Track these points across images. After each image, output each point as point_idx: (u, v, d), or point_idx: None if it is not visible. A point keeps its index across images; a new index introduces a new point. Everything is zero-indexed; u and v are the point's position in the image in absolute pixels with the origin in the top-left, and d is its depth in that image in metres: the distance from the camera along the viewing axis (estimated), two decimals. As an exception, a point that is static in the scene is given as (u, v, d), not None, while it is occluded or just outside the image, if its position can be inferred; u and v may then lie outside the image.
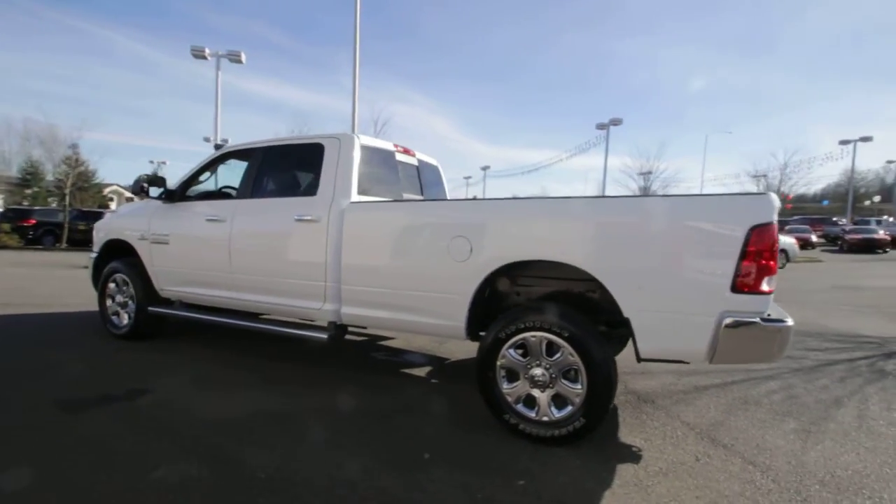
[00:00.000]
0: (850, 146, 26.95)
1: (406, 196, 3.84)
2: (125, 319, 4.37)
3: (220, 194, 4.25)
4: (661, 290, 2.28)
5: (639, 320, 2.32)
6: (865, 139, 25.87)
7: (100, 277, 4.54)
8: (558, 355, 2.50)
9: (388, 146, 3.75)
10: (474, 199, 2.90)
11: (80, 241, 17.27)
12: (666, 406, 3.21)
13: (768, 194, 2.19)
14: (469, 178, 51.63)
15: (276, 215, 3.47)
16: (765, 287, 2.15)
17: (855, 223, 26.30)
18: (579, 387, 2.46)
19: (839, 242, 23.74)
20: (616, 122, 23.26)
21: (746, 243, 2.12)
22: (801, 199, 45.32)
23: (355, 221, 3.11)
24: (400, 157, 3.87)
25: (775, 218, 2.16)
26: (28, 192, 30.73)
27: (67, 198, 18.60)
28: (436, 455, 2.42)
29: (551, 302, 2.67)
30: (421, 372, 3.81)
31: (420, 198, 4.05)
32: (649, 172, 40.35)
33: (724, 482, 2.28)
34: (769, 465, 2.45)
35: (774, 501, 2.13)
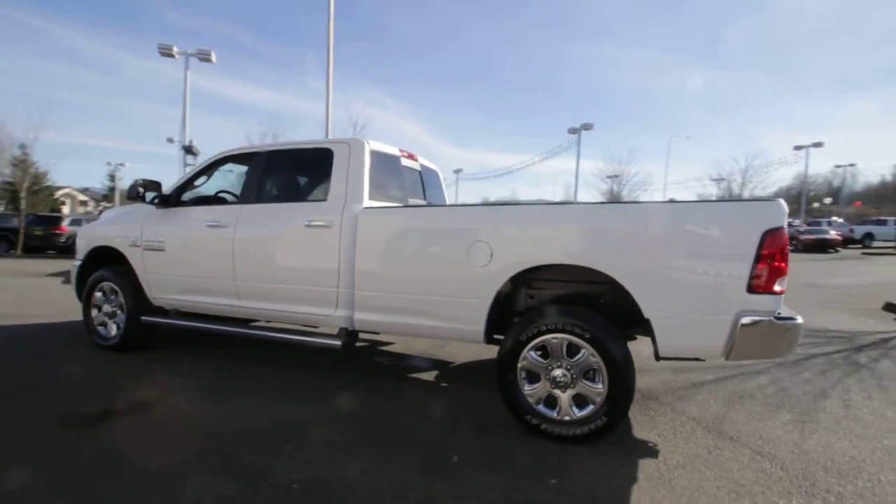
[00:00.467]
0: (804, 151, 28.71)
1: (412, 201, 3.86)
2: (113, 330, 4.19)
3: (216, 199, 4.14)
4: (681, 292, 2.39)
5: (659, 321, 2.43)
6: (817, 145, 27.65)
7: (84, 286, 4.33)
8: (579, 356, 2.58)
9: (395, 151, 3.76)
10: (495, 204, 2.94)
11: (37, 248, 16.36)
12: (670, 402, 3.35)
13: (778, 201, 2.34)
14: (443, 180, 51.70)
15: (284, 221, 3.42)
16: (777, 287, 2.29)
17: (808, 224, 27.92)
18: (600, 386, 2.54)
19: (794, 242, 25.15)
20: (587, 126, 23.90)
21: (761, 247, 2.26)
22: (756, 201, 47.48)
23: (370, 227, 3.10)
24: (405, 161, 3.88)
25: (786, 223, 2.30)
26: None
27: (23, 202, 17.55)
28: (464, 458, 2.45)
29: (571, 305, 2.75)
30: (428, 376, 3.82)
31: (423, 202, 4.07)
32: (617, 176, 41.61)
33: (739, 472, 2.40)
34: (775, 455, 2.60)
35: (786, 488, 2.27)
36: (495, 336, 2.96)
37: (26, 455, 2.36)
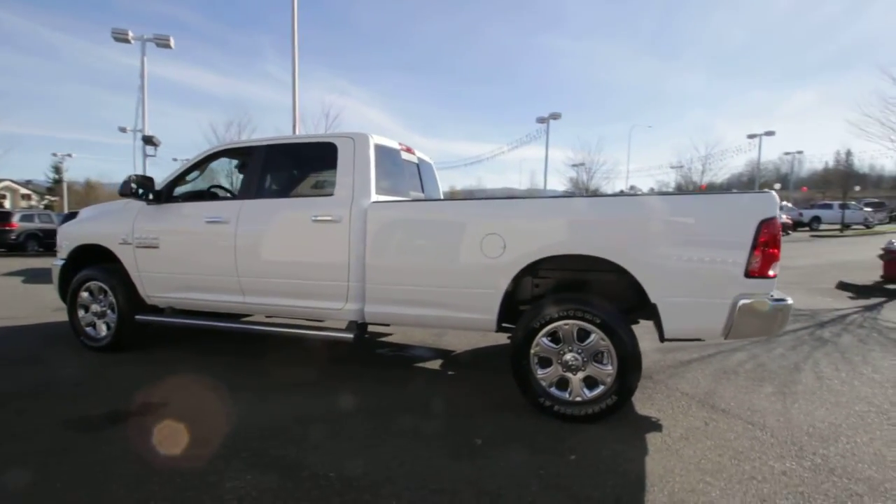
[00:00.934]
0: (756, 140, 30.26)
1: (412, 194, 3.90)
2: (104, 330, 4.06)
3: (209, 194, 4.06)
4: (684, 278, 2.57)
5: (665, 305, 2.60)
6: (769, 133, 29.23)
7: (68, 286, 4.16)
8: (589, 341, 2.73)
9: (395, 145, 3.78)
10: (508, 198, 3.04)
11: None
12: (663, 380, 3.58)
13: (771, 193, 2.54)
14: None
15: (289, 216, 3.40)
16: (771, 272, 2.50)
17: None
18: (610, 368, 2.70)
19: (749, 227, 26.54)
20: (555, 115, 24.30)
21: (757, 235, 2.45)
22: (708, 188, 49.96)
23: (380, 221, 3.14)
24: (404, 155, 3.91)
25: (778, 212, 2.51)
26: None
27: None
28: (486, 441, 2.57)
29: (577, 292, 2.90)
30: (434, 365, 3.92)
31: (422, 195, 4.12)
32: (583, 164, 42.65)
33: (735, 440, 2.63)
34: (764, 424, 2.84)
35: (778, 453, 2.50)
36: (504, 325, 3.07)
37: (45, 461, 2.31)
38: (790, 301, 2.54)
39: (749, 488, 2.17)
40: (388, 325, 3.54)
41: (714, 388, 3.43)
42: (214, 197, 4.04)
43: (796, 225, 26.60)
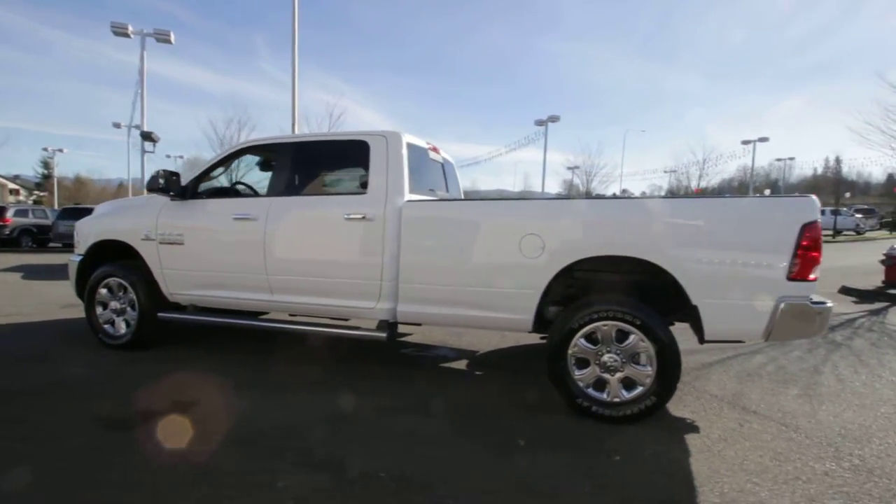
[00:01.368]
0: (748, 145, 30.68)
1: (438, 193, 3.90)
2: (123, 328, 3.99)
3: (233, 191, 4.02)
4: (727, 281, 2.59)
5: (706, 307, 2.62)
6: (763, 139, 29.61)
7: (85, 283, 4.09)
8: (628, 342, 2.74)
9: (424, 144, 3.77)
10: (546, 199, 3.05)
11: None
12: (690, 382, 3.60)
13: (812, 198, 2.57)
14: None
15: (320, 214, 3.37)
16: (812, 276, 2.53)
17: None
18: (649, 369, 2.71)
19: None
20: (554, 118, 24.41)
21: (799, 238, 2.48)
22: (702, 192, 50.59)
23: (416, 219, 3.13)
24: (431, 154, 3.90)
25: (819, 216, 2.54)
26: None
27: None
28: (529, 441, 2.56)
29: (613, 293, 2.91)
30: (459, 365, 3.91)
31: (447, 194, 4.12)
32: (577, 167, 43.01)
33: (772, 442, 2.65)
34: (796, 426, 2.87)
35: (816, 454, 2.53)
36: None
37: (84, 461, 2.26)
38: (830, 304, 2.57)
39: (795, 489, 2.19)
40: (419, 324, 3.53)
41: (741, 389, 3.46)
42: (238, 194, 4.00)
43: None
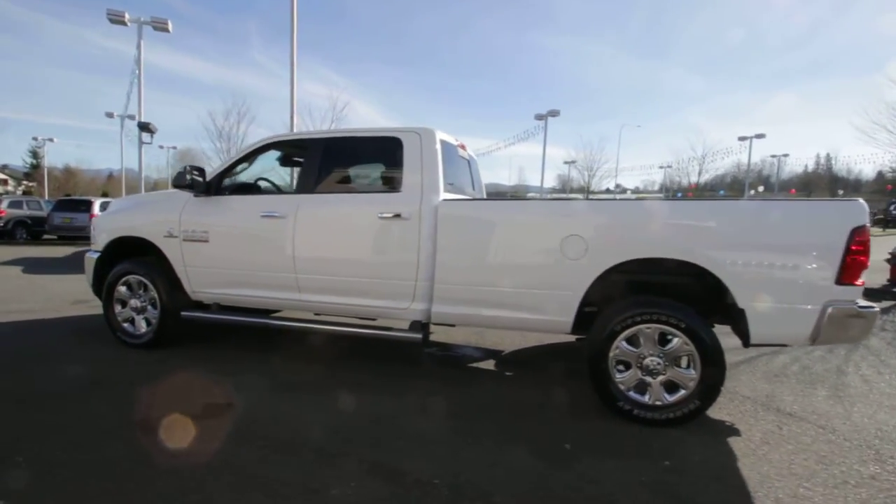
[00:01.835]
0: (747, 142, 30.88)
1: (468, 191, 3.84)
2: (143, 326, 3.91)
3: (256, 187, 3.93)
4: (774, 284, 2.58)
5: (753, 311, 2.61)
6: (760, 136, 29.82)
7: (103, 280, 4.00)
8: (671, 345, 2.72)
9: (453, 140, 3.71)
10: (588, 198, 3.00)
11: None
12: (720, 383, 3.60)
13: (860, 201, 2.56)
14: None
15: (352, 212, 3.31)
16: (860, 280, 2.52)
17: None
18: (693, 372, 2.70)
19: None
20: (554, 113, 24.33)
21: (848, 242, 2.47)
22: (697, 189, 50.98)
23: (453, 218, 3.07)
24: (459, 151, 3.84)
25: (868, 220, 2.52)
26: None
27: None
28: (575, 445, 2.54)
29: (653, 295, 2.88)
30: (488, 366, 3.88)
31: (473, 192, 4.07)
32: (574, 161, 43.14)
33: (813, 444, 2.65)
34: (833, 427, 2.88)
35: (859, 457, 2.54)
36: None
37: (130, 469, 2.20)
38: (877, 308, 2.57)
39: (847, 493, 2.19)
40: (453, 325, 3.48)
41: (771, 391, 3.46)
42: (259, 190, 3.91)
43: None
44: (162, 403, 2.89)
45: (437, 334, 4.69)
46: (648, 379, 2.78)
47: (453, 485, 2.12)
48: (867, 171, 54.86)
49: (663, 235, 2.74)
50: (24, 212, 15.42)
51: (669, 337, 2.72)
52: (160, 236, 3.76)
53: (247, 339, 4.34)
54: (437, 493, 2.05)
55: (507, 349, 4.30)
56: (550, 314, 2.94)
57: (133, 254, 4.04)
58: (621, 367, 2.83)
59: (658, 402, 2.76)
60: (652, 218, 2.79)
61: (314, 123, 25.47)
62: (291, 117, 14.72)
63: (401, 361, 3.86)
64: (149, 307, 3.89)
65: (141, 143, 15.03)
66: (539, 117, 24.99)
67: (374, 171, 3.61)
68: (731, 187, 49.18)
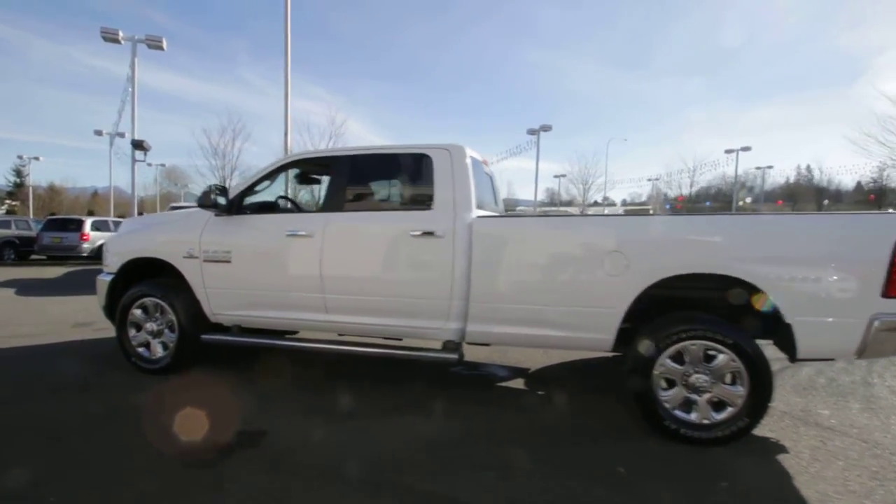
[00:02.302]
0: (729, 154, 31.57)
1: (490, 207, 3.81)
2: (159, 351, 3.77)
3: (276, 206, 3.86)
4: (820, 298, 2.56)
5: (800, 325, 2.59)
6: (746, 149, 30.52)
7: (116, 303, 3.86)
8: (717, 361, 2.68)
9: (479, 156, 3.69)
10: (629, 214, 2.98)
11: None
12: (753, 397, 3.56)
13: None
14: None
15: (383, 230, 3.25)
16: (906, 292, 2.51)
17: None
18: (741, 389, 2.66)
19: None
20: (546, 128, 24.65)
21: (893, 255, 2.47)
22: (686, 200, 51.83)
23: (488, 236, 3.03)
24: (484, 167, 3.82)
25: None
26: None
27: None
28: (629, 469, 2.47)
29: (692, 310, 2.86)
30: (517, 384, 3.80)
31: (497, 208, 4.04)
32: (564, 175, 43.64)
33: (862, 460, 2.62)
34: (876, 441, 2.86)
35: (909, 472, 2.51)
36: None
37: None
38: None
39: (911, 511, 2.15)
40: (487, 344, 3.41)
41: (805, 404, 3.44)
42: (279, 208, 3.84)
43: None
44: (193, 432, 2.76)
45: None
46: (694, 397, 2.73)
47: (515, 514, 2.04)
48: (846, 181, 56.42)
49: (707, 250, 2.72)
50: (13, 231, 15.04)
51: (714, 353, 2.69)
52: (179, 257, 3.65)
53: (265, 361, 4.21)
54: (500, 524, 1.97)
55: (532, 366, 4.23)
56: (591, 332, 2.89)
57: (147, 276, 3.92)
58: (666, 386, 2.78)
59: (705, 421, 2.71)
60: (694, 232, 2.78)
61: (313, 140, 25.60)
62: (286, 134, 14.69)
63: (428, 382, 3.77)
64: (165, 331, 3.75)
65: (134, 160, 14.84)
66: (531, 132, 25.29)
67: (404, 189, 3.56)
68: (716, 199, 50.06)
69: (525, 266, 2.99)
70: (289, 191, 4.50)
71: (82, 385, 3.53)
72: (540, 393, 3.63)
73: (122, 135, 25.33)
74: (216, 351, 4.27)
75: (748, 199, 44.66)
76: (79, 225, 14.25)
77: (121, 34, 14.54)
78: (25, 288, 8.93)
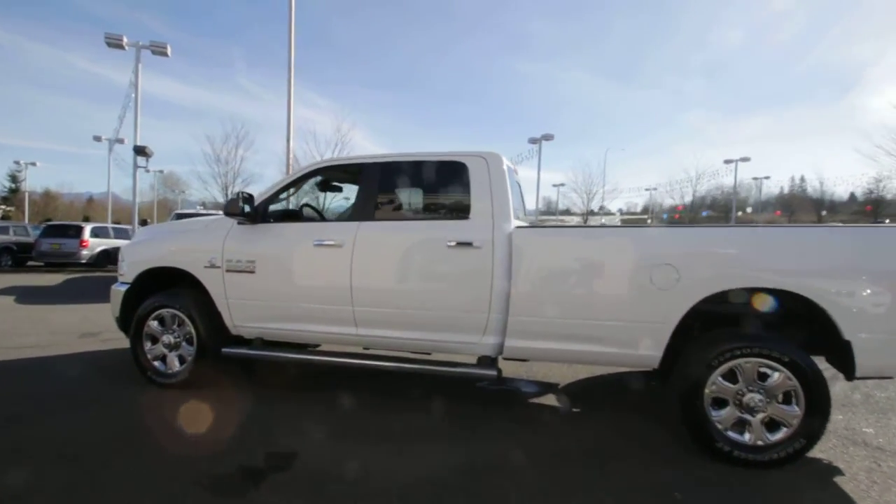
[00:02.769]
0: (733, 165, 31.76)
1: (521, 216, 3.71)
2: (176, 365, 3.61)
3: (300, 214, 3.74)
4: (881, 314, 2.47)
5: (860, 342, 2.49)
6: (745, 159, 30.75)
7: (131, 314, 3.71)
8: (772, 379, 2.57)
9: (511, 165, 3.59)
10: (677, 225, 2.88)
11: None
12: (793, 415, 3.45)
13: None
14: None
15: (418, 240, 3.13)
16: (968, 308, 2.42)
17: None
18: (796, 409, 2.55)
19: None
20: (548, 137, 24.72)
21: (958, 269, 2.38)
22: (674, 210, 52.07)
23: (529, 247, 2.92)
24: (515, 176, 3.72)
25: None
26: None
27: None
28: (686, 494, 2.35)
29: (762, 327, 2.75)
30: (549, 401, 3.67)
31: (524, 216, 3.94)
32: (563, 184, 43.76)
33: (923, 484, 2.51)
34: (928, 462, 2.75)
35: (974, 496, 2.40)
36: None
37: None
38: None
39: None
40: (525, 360, 3.28)
41: (847, 422, 3.34)
42: (302, 216, 3.72)
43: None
44: (220, 454, 2.61)
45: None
46: (748, 417, 2.62)
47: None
48: (839, 192, 56.84)
49: (761, 264, 2.62)
50: (11, 237, 14.79)
51: (768, 371, 2.58)
52: (200, 267, 3.51)
53: (284, 375, 4.06)
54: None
55: (560, 381, 4.10)
56: (638, 348, 2.78)
57: (162, 286, 3.78)
58: (717, 405, 2.66)
59: (760, 442, 2.60)
60: (748, 245, 2.68)
61: (319, 148, 25.61)
62: (288, 141, 14.60)
63: (454, 398, 3.62)
64: (183, 343, 3.60)
65: (136, 166, 14.69)
66: (533, 141, 25.32)
67: (438, 198, 3.44)
68: (712, 208, 50.27)
69: (568, 279, 2.88)
70: (298, 199, 4.35)
71: (97, 400, 3.37)
72: (575, 410, 3.49)
73: (121, 141, 25.16)
74: (234, 364, 4.12)
75: (748, 210, 44.82)
76: (78, 231, 14.04)
77: (125, 40, 14.45)
78: (25, 296, 8.71)
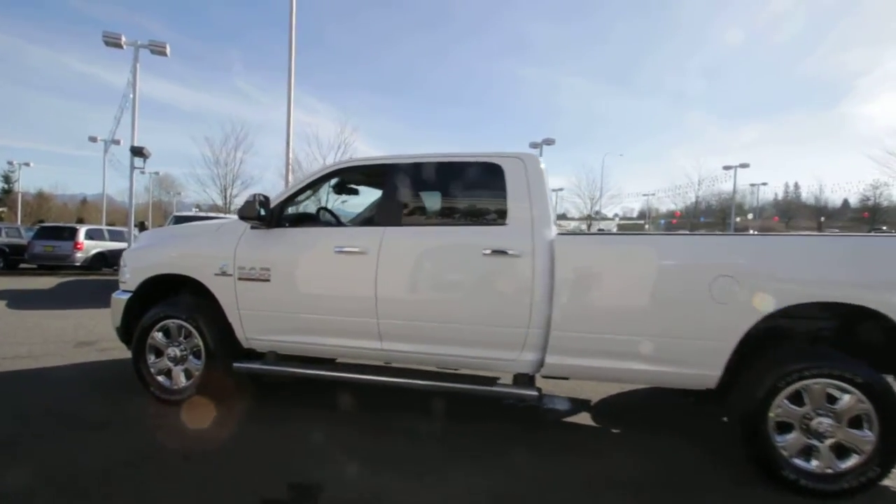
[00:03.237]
0: (732, 171, 31.73)
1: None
2: (182, 380, 3.34)
3: (318, 218, 3.50)
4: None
5: (941, 363, 2.27)
6: (744, 166, 30.73)
7: (133, 325, 3.45)
8: (842, 402, 2.36)
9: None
10: (743, 234, 2.66)
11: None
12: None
13: None
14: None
15: (449, 247, 2.90)
16: None
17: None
18: (869, 434, 2.33)
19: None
20: (549, 141, 24.55)
21: None
22: (671, 215, 52.15)
23: (575, 256, 2.69)
24: (546, 180, 3.50)
25: None
26: None
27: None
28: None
29: (827, 346, 2.55)
30: (583, 419, 3.44)
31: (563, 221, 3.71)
32: (562, 189, 43.70)
33: None
34: None
35: None
36: None
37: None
38: None
39: None
40: (567, 378, 3.04)
41: None
42: (318, 220, 3.48)
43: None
44: (238, 484, 2.35)
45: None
46: (815, 442, 2.39)
47: None
48: (833, 198, 57.05)
49: (834, 276, 2.41)
50: (3, 239, 14.40)
51: (838, 393, 2.36)
52: (210, 274, 3.26)
53: (298, 392, 3.80)
54: None
55: (594, 399, 3.86)
56: (694, 367, 2.55)
57: (166, 294, 3.52)
58: (781, 430, 2.44)
59: (829, 471, 2.37)
60: (818, 256, 2.47)
61: (322, 151, 25.38)
62: (287, 143, 14.36)
63: (484, 417, 3.38)
64: (190, 357, 3.34)
65: (133, 167, 14.36)
66: (534, 145, 25.14)
67: (471, 202, 3.21)
68: (708, 214, 50.32)
69: (616, 291, 2.65)
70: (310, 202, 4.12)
71: (97, 419, 3.09)
72: (615, 431, 3.26)
73: (117, 142, 24.77)
74: (243, 379, 3.85)
75: (749, 216, 44.77)
76: (72, 233, 13.69)
77: (123, 39, 14.12)
78: (17, 300, 8.38)
